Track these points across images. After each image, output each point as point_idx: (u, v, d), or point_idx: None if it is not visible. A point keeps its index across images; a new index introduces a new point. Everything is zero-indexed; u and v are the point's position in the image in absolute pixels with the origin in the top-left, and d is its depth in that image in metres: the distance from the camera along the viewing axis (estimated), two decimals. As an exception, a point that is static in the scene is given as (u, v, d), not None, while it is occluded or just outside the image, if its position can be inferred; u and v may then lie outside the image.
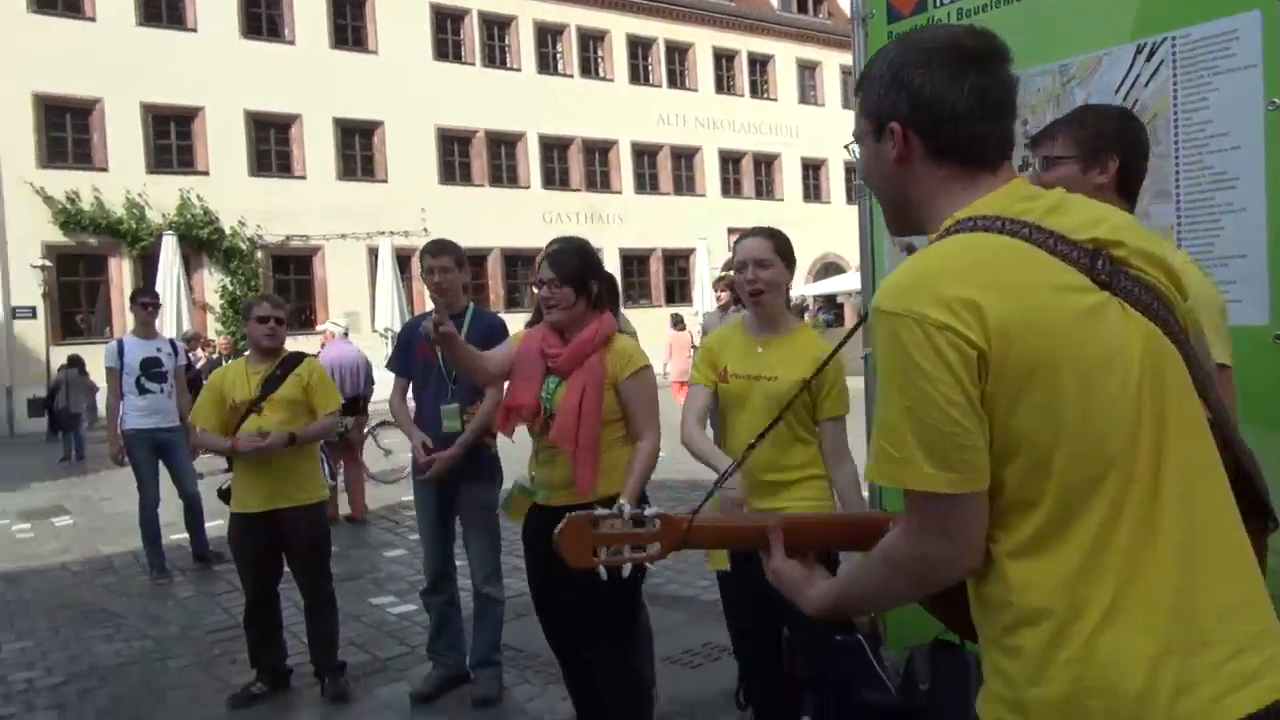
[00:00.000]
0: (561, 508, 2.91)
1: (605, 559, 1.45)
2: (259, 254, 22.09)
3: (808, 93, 31.84)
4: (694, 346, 17.38)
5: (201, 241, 21.05)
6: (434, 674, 4.22)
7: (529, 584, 3.31)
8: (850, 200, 31.95)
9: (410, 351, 4.23)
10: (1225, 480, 1.23)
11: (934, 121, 1.25)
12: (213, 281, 21.55)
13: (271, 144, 22.60)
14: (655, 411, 3.11)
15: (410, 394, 4.29)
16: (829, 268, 30.76)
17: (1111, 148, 2.06)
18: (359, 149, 23.75)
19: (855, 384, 3.44)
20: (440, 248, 4.19)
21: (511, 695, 4.12)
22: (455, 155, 25.16)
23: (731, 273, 3.24)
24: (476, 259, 25.00)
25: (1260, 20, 2.50)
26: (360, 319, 21.77)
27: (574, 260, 3.08)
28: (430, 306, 4.27)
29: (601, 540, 1.45)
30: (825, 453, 2.90)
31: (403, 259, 20.83)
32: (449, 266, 4.13)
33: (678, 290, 28.51)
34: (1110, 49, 2.81)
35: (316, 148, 22.85)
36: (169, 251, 15.01)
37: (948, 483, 1.14)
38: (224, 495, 4.41)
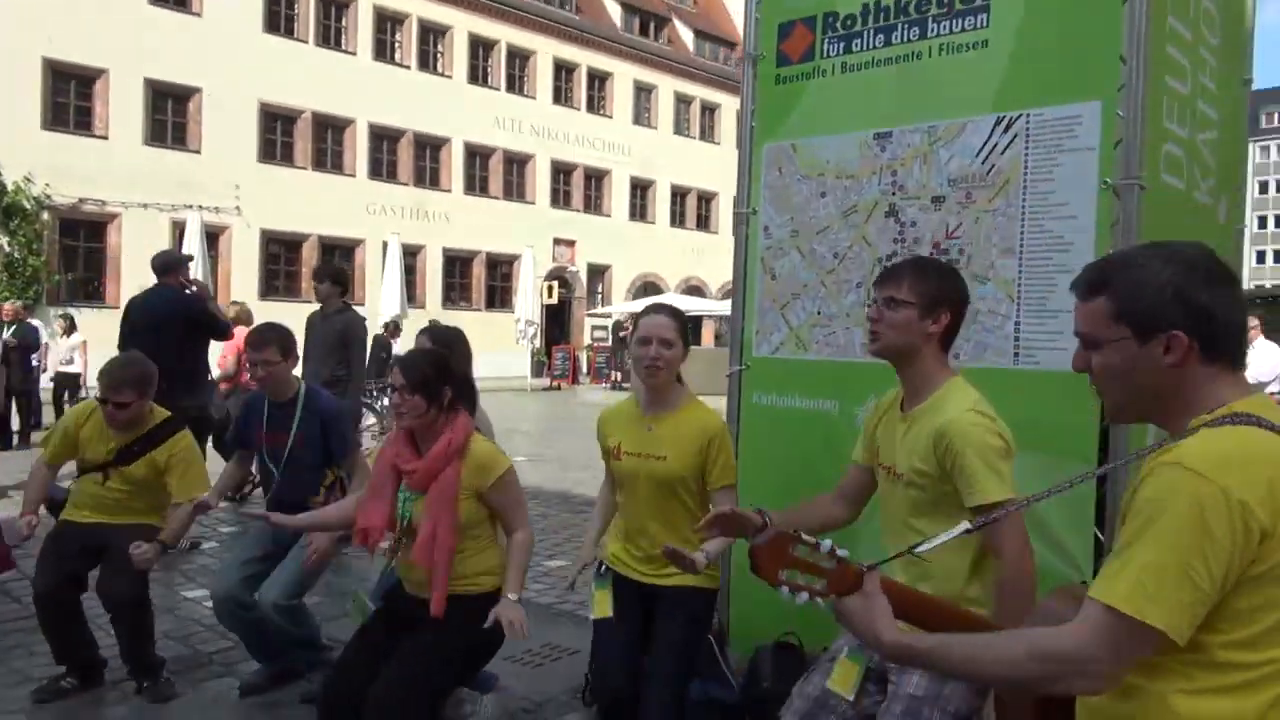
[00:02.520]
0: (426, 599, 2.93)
1: (787, 580, 1.52)
2: (45, 215, 20.16)
3: (642, 114, 32.55)
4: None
5: (-23, 195, 19.01)
6: (264, 668, 4.07)
7: (354, 638, 3.14)
8: (674, 224, 33.01)
9: (250, 430, 4.06)
10: None
11: (1216, 333, 1.46)
12: (-12, 240, 19.50)
13: (71, 97, 20.71)
14: (524, 506, 3.14)
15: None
16: (648, 287, 31.45)
17: (947, 303, 2.32)
18: (171, 114, 22.16)
19: (717, 403, 3.63)
20: (263, 339, 3.92)
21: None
22: (278, 134, 23.93)
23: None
24: (293, 244, 23.92)
25: (1099, 109, 2.91)
26: (159, 296, 20.31)
27: (425, 369, 3.01)
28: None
29: (791, 563, 1.52)
30: None
31: (212, 236, 19.67)
32: (273, 359, 3.91)
33: (499, 295, 28.36)
34: (974, 117, 3.16)
35: (123, 107, 21.12)
36: (-59, 202, 13.50)
37: (1176, 628, 1.31)
38: (54, 506, 4.10)
